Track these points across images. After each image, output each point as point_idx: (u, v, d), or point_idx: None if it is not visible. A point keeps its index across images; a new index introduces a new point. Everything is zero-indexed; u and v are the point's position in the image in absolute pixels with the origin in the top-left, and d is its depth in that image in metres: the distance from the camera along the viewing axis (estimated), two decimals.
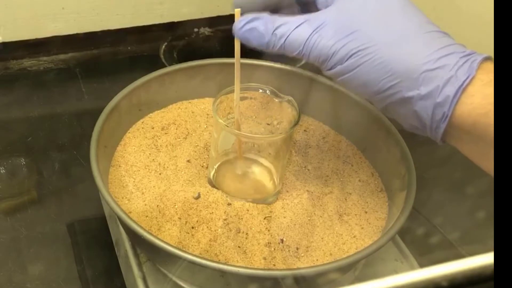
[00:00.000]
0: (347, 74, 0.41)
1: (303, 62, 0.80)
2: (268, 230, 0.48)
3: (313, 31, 0.42)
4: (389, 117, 0.47)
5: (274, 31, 0.43)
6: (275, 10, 0.47)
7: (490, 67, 0.38)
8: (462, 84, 0.38)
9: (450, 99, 0.38)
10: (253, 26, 0.44)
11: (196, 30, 0.85)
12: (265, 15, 0.44)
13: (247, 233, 0.48)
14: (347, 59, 0.41)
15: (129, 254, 0.51)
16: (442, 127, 0.39)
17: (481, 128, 0.37)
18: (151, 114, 0.58)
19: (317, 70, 0.60)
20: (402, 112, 0.41)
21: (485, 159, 0.40)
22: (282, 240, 0.48)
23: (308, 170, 0.55)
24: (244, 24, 0.44)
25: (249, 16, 0.44)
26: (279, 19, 0.43)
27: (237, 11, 0.46)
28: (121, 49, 0.81)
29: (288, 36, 0.43)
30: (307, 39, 0.42)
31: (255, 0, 0.47)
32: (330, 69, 0.42)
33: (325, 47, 0.41)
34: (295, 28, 0.42)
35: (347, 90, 0.58)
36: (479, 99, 0.37)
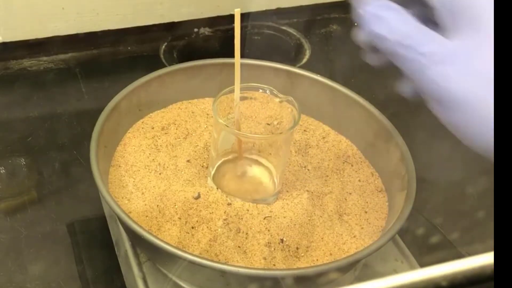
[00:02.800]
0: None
1: (303, 62, 0.81)
2: (268, 230, 0.48)
3: (453, 76, 0.34)
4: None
5: (409, 43, 0.34)
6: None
7: None
8: None
9: None
10: (384, 14, 0.35)
11: (196, 30, 0.85)
12: (405, 13, 0.35)
13: (247, 233, 0.48)
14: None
15: (129, 254, 0.51)
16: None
17: None
18: (151, 114, 0.58)
19: (317, 70, 0.60)
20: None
21: None
22: (282, 240, 0.48)
23: (308, 170, 0.55)
24: (375, 7, 0.35)
25: (382, 2, 0.35)
26: (415, 26, 0.35)
27: (237, 11, 0.46)
28: (121, 49, 0.81)
29: (413, 58, 0.34)
30: (440, 83, 0.34)
31: None
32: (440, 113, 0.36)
33: (446, 91, 0.34)
34: (435, 63, 0.34)
35: (347, 90, 0.58)
36: None
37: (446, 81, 0.33)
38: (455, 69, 0.33)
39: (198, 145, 0.55)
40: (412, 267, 0.53)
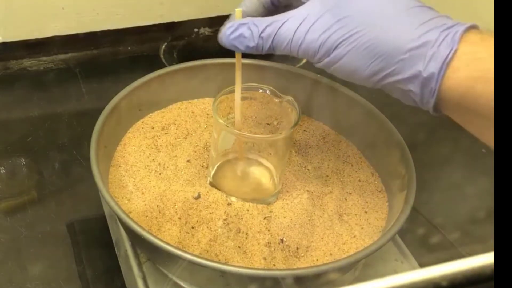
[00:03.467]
0: (336, 64, 0.42)
1: (303, 62, 0.81)
2: (268, 230, 0.48)
3: (297, 27, 0.42)
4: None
5: (260, 34, 0.43)
6: (275, 11, 0.48)
7: (473, 37, 0.38)
8: (445, 60, 0.38)
9: (436, 76, 0.38)
10: (239, 32, 0.44)
11: (196, 30, 0.85)
12: (250, 19, 0.44)
13: (247, 233, 0.48)
14: (334, 50, 0.41)
15: (129, 254, 0.51)
16: (431, 102, 0.40)
17: (469, 101, 0.38)
18: (151, 114, 0.58)
19: (317, 70, 0.60)
20: (394, 92, 0.42)
21: (475, 127, 0.40)
22: (282, 240, 0.48)
23: (308, 170, 0.55)
24: (231, 32, 0.45)
25: (234, 23, 0.45)
26: (263, 21, 0.44)
27: (238, 11, 0.46)
28: (121, 49, 0.81)
29: (274, 36, 0.43)
30: (293, 36, 0.42)
31: (255, 4, 0.48)
32: (319, 61, 0.43)
33: (311, 41, 0.42)
34: (280, 27, 0.43)
35: (347, 91, 0.58)
36: (465, 73, 0.38)
37: (307, 34, 0.42)
38: (310, 22, 0.42)
39: (198, 145, 0.55)
40: (412, 267, 0.53)
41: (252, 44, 0.44)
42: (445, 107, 0.40)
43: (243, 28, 0.44)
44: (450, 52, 0.38)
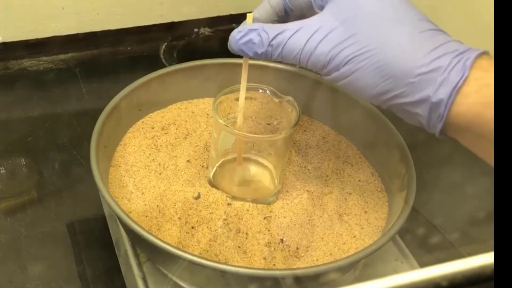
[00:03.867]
0: (344, 80, 0.42)
1: None
2: (268, 230, 0.48)
3: (309, 38, 0.42)
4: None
5: (270, 41, 0.43)
6: (287, 19, 0.47)
7: (485, 64, 0.38)
8: (455, 86, 0.38)
9: (445, 102, 0.38)
10: (249, 38, 0.44)
11: (196, 30, 0.85)
12: (260, 25, 0.44)
13: (247, 233, 0.48)
14: (343, 66, 0.41)
15: (129, 254, 0.51)
16: (439, 127, 0.40)
17: (477, 126, 0.38)
18: (151, 114, 0.58)
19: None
20: (401, 113, 0.42)
21: (483, 151, 0.40)
22: (282, 240, 0.48)
23: (308, 170, 0.55)
24: (240, 37, 0.44)
25: (244, 28, 0.44)
26: (274, 28, 0.43)
27: (249, 16, 0.45)
28: (121, 49, 0.81)
29: (284, 45, 0.43)
30: (303, 46, 0.42)
31: (268, 11, 0.47)
32: (328, 75, 0.42)
33: (320, 54, 0.42)
34: (290, 37, 0.42)
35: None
36: (474, 99, 0.38)
37: (318, 47, 0.42)
38: (322, 34, 0.42)
39: (198, 145, 0.55)
40: (412, 267, 0.53)
41: (261, 50, 0.44)
42: (452, 132, 0.40)
43: (253, 34, 0.44)
44: (461, 78, 0.38)
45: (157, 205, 0.49)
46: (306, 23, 0.42)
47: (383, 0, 0.41)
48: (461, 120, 0.38)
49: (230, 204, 0.49)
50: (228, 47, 0.46)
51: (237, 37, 0.45)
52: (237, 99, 0.51)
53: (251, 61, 0.58)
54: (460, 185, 0.62)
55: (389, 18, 0.40)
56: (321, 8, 0.44)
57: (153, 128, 0.57)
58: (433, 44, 0.39)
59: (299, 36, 0.42)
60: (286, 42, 0.43)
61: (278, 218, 0.49)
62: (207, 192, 0.50)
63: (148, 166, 0.53)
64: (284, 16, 0.47)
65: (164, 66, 0.65)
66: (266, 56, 0.44)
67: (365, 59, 0.40)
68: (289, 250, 0.47)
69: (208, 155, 0.54)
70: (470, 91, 0.38)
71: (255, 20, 0.46)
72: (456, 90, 0.38)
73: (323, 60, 0.42)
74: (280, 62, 0.60)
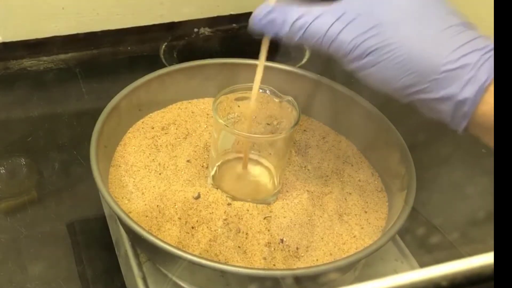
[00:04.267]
0: (366, 71, 0.40)
1: (303, 62, 0.81)
2: (268, 230, 0.48)
3: (332, 24, 0.40)
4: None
5: (293, 23, 0.42)
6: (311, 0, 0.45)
7: None
8: (483, 84, 0.37)
9: (471, 100, 0.37)
10: (272, 17, 0.43)
11: (196, 30, 0.85)
12: (284, 6, 0.42)
13: (247, 233, 0.48)
14: (366, 56, 0.40)
15: (129, 254, 0.51)
16: (463, 124, 0.39)
17: None
18: (151, 114, 0.58)
19: (318, 71, 0.60)
20: (424, 108, 0.41)
21: None
22: (282, 240, 0.48)
23: (308, 170, 0.55)
24: (263, 16, 0.43)
25: (268, 6, 0.43)
26: (298, 10, 0.42)
27: None
28: (121, 49, 0.81)
29: (306, 28, 0.41)
30: (326, 32, 0.40)
31: None
32: (349, 64, 0.41)
33: (343, 42, 0.40)
34: (314, 20, 0.41)
35: (347, 91, 0.58)
36: None
37: (341, 34, 0.40)
38: (346, 21, 0.40)
39: (198, 145, 0.55)
40: (412, 267, 0.53)
41: (283, 32, 0.42)
42: (476, 129, 0.39)
43: (275, 14, 0.42)
44: (488, 77, 0.37)
45: (157, 205, 0.49)
46: (330, 8, 0.41)
47: None
48: (487, 119, 0.38)
49: (230, 204, 0.49)
50: (249, 26, 0.44)
51: (259, 15, 0.43)
52: (237, 99, 0.51)
53: (251, 61, 0.58)
54: (460, 185, 0.62)
55: (416, 11, 0.39)
56: None
57: (153, 128, 0.57)
58: (461, 40, 0.38)
59: (321, 20, 0.41)
60: (309, 26, 0.41)
61: (278, 218, 0.49)
62: (207, 192, 0.50)
63: (148, 166, 0.53)
64: None
65: (164, 66, 0.64)
66: (287, 38, 0.43)
67: (388, 51, 0.39)
68: (289, 250, 0.47)
69: (208, 155, 0.54)
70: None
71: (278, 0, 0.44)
72: (483, 89, 0.37)
73: (345, 49, 0.40)
74: (280, 62, 0.60)
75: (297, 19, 0.42)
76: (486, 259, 0.27)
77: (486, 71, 0.37)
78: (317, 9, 0.42)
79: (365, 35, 0.39)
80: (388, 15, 0.39)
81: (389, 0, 0.40)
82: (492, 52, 0.38)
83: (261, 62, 0.47)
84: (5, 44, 0.76)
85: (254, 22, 0.44)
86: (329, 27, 0.40)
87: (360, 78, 0.42)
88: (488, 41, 0.39)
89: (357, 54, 0.40)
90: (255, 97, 0.48)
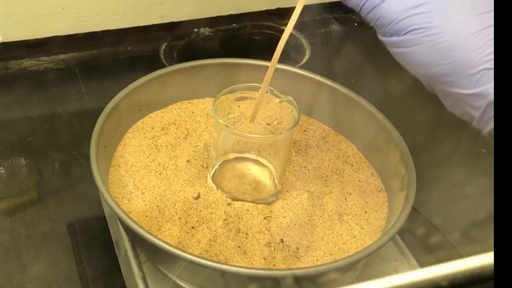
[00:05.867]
0: (402, 48, 0.38)
1: (303, 62, 0.81)
2: (268, 230, 0.48)
3: None
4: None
5: None
6: None
7: None
8: None
9: None
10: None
11: (196, 30, 0.85)
12: None
13: (247, 233, 0.48)
14: (407, 33, 0.38)
15: (129, 254, 0.51)
16: (491, 124, 0.38)
17: None
18: (151, 114, 0.58)
19: (318, 71, 0.60)
20: (452, 100, 0.39)
21: None
22: (282, 240, 0.48)
23: (308, 170, 0.55)
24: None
25: None
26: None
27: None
28: (121, 49, 0.81)
29: None
30: None
31: None
32: (386, 35, 0.39)
33: (386, 11, 0.38)
34: None
35: (347, 91, 0.58)
36: None
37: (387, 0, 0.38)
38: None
39: (198, 145, 0.55)
40: (412, 267, 0.53)
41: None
42: None
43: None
44: None
45: (157, 205, 0.49)
46: None
47: None
48: None
49: (230, 204, 0.49)
50: None
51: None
52: (237, 99, 0.51)
53: (251, 61, 0.58)
54: (460, 185, 0.62)
55: (468, 1, 0.38)
56: None
57: (153, 128, 0.57)
58: None
59: None
60: None
61: (278, 218, 0.49)
62: (207, 192, 0.50)
63: (148, 166, 0.53)
64: None
65: (164, 66, 0.65)
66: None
67: (432, 34, 0.37)
68: (289, 250, 0.47)
69: (208, 155, 0.54)
70: None
71: None
72: None
73: (386, 19, 0.38)
74: (280, 62, 0.60)
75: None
76: (486, 259, 0.27)
77: None
78: None
79: (413, 10, 0.37)
80: None
81: None
82: None
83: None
84: (5, 44, 0.76)
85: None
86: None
87: (393, 54, 0.40)
88: None
89: (397, 28, 0.38)
90: (265, 86, 0.46)
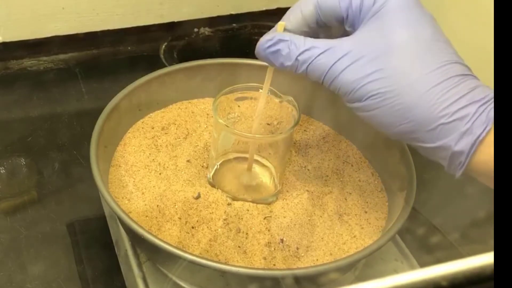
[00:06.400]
0: (366, 112, 0.41)
1: None
2: (268, 230, 0.48)
3: (335, 62, 0.41)
4: None
5: (297, 56, 0.42)
6: (317, 30, 0.46)
7: None
8: (478, 137, 0.37)
9: (466, 152, 0.38)
10: (277, 48, 0.43)
11: (196, 30, 0.85)
12: (291, 37, 0.43)
13: (247, 233, 0.48)
14: (366, 99, 0.40)
15: (129, 254, 0.51)
16: (459, 172, 0.40)
17: None
18: (151, 114, 0.58)
19: None
20: (421, 151, 0.41)
21: None
22: (282, 240, 0.48)
23: (308, 170, 0.55)
24: (269, 46, 0.43)
25: (275, 37, 0.43)
26: (304, 43, 0.42)
27: (280, 25, 0.44)
28: (121, 49, 0.81)
29: (310, 63, 0.42)
30: (329, 70, 0.41)
31: (299, 21, 0.45)
32: (349, 103, 0.42)
33: (345, 82, 0.41)
34: (318, 56, 0.41)
35: None
36: None
37: (343, 73, 0.41)
38: (349, 61, 0.40)
39: (198, 145, 0.55)
40: (412, 267, 0.53)
41: (287, 63, 0.43)
42: (473, 174, 0.40)
43: (282, 45, 0.42)
44: (484, 130, 0.37)
45: (157, 205, 0.49)
46: (335, 44, 0.41)
47: (418, 38, 0.40)
48: (482, 167, 0.38)
49: (230, 204, 0.49)
50: (255, 52, 0.45)
51: (266, 45, 0.43)
52: (237, 99, 0.51)
53: (251, 61, 0.58)
54: (460, 185, 0.62)
55: (419, 61, 0.39)
56: (353, 27, 0.42)
57: (153, 128, 0.57)
58: (459, 92, 0.38)
59: (326, 57, 0.41)
60: (313, 60, 0.41)
61: (278, 218, 0.49)
62: (207, 192, 0.50)
63: (148, 166, 0.53)
64: (315, 27, 0.45)
65: (164, 66, 0.65)
66: (291, 70, 0.43)
67: (389, 98, 0.39)
68: (289, 250, 0.47)
69: (208, 155, 0.54)
70: (492, 140, 0.37)
71: (285, 29, 0.44)
72: (478, 141, 0.37)
73: (346, 88, 0.41)
74: None
75: (302, 53, 0.42)
76: (486, 259, 0.27)
77: (481, 124, 0.38)
78: (322, 44, 0.42)
79: (367, 78, 0.40)
80: (391, 61, 0.39)
81: (394, 45, 0.40)
82: (488, 105, 0.38)
83: (265, 91, 0.48)
84: (5, 44, 0.76)
85: (260, 50, 0.44)
86: (332, 65, 0.41)
87: (360, 117, 0.42)
88: (486, 91, 0.39)
89: (357, 96, 0.40)
90: (257, 126, 0.48)
